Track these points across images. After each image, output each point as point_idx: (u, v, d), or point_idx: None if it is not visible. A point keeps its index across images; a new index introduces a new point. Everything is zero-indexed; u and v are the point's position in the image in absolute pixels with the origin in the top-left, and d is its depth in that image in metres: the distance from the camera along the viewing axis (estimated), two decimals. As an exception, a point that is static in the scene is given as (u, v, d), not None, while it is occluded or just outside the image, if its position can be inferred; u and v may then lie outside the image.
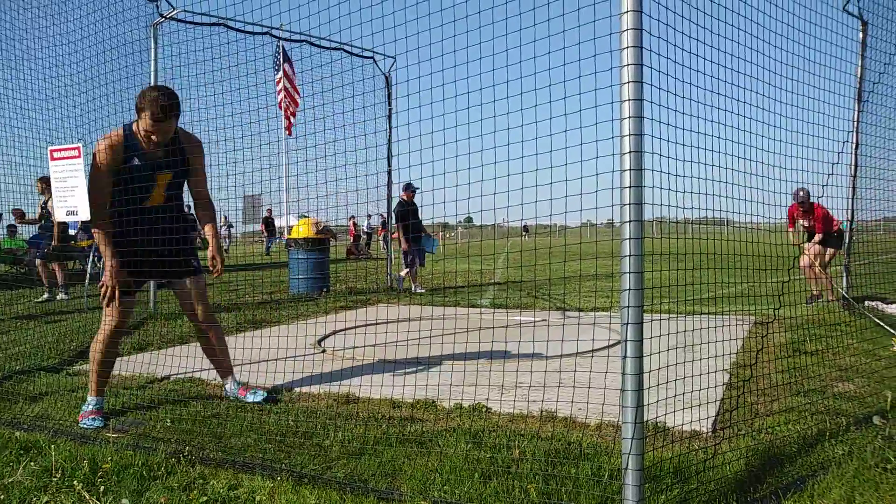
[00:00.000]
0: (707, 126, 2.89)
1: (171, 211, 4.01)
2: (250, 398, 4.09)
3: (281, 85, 12.28)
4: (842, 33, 4.32)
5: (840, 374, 4.48)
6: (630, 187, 2.39)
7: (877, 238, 7.96)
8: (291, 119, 11.99)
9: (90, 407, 3.85)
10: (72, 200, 3.56)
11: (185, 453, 3.14)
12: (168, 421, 3.68)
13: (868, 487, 2.66)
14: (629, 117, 2.37)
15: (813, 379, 4.34)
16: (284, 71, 12.43)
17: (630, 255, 2.37)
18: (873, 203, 7.23)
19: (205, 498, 2.73)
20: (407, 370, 4.85)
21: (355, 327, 6.96)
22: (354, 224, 27.49)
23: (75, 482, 2.87)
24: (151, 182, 3.85)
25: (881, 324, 5.86)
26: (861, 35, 6.83)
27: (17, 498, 2.79)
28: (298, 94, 12.32)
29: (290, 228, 11.27)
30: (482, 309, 8.59)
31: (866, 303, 7.46)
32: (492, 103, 2.98)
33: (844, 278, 7.72)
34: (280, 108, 12.01)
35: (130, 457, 3.12)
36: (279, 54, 12.28)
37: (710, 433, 3.35)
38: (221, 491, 2.81)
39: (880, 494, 2.61)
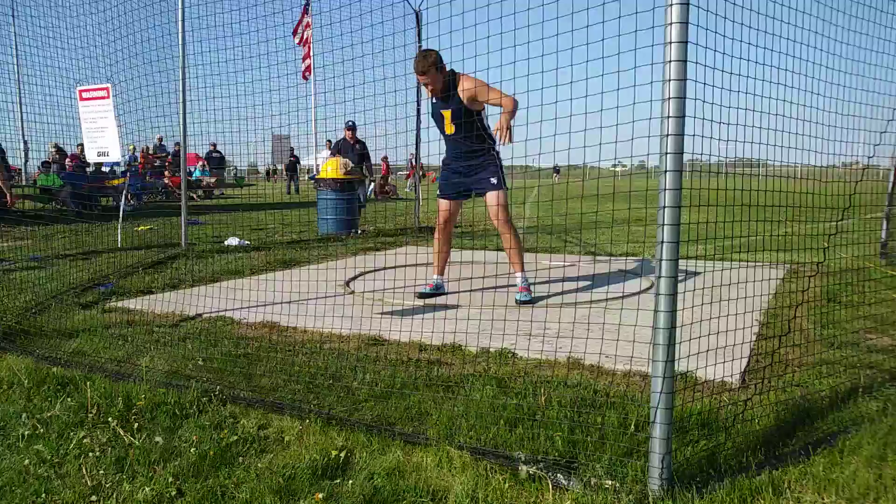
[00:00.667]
0: (754, 69, 2.75)
1: (462, 137, 5.21)
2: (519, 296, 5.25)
3: (307, 22, 12.06)
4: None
5: (875, 326, 4.39)
6: (668, 135, 2.30)
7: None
8: (310, 64, 11.85)
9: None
10: (102, 141, 3.55)
11: (216, 392, 3.21)
12: (199, 360, 3.75)
13: (901, 445, 2.61)
14: (672, 61, 2.26)
15: (846, 332, 4.26)
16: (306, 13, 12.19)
17: (665, 207, 2.30)
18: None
19: (235, 437, 2.79)
20: (435, 313, 4.86)
21: (385, 269, 6.98)
22: (387, 164, 27.32)
23: (110, 419, 2.95)
24: (440, 117, 5.23)
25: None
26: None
27: (56, 432, 2.88)
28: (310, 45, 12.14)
29: (318, 168, 11.22)
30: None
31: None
32: (525, 45, 2.87)
33: (884, 226, 7.49)
34: (301, 44, 11.81)
35: (163, 395, 3.20)
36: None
37: (739, 386, 3.31)
38: (251, 430, 2.87)
39: (913, 452, 2.57)
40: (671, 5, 2.24)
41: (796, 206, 3.86)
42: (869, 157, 3.18)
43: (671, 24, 2.25)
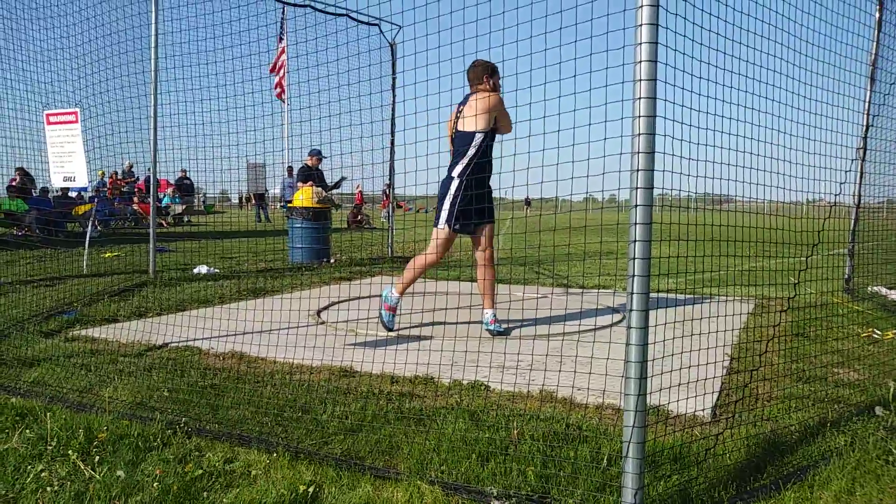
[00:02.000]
0: (721, 107, 2.81)
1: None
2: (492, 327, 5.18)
3: (284, 56, 12.16)
4: (857, 12, 4.22)
5: (842, 361, 4.45)
6: (638, 171, 2.32)
7: (881, 224, 7.86)
8: (283, 85, 11.93)
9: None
10: (69, 167, 3.49)
11: (182, 424, 3.12)
12: (165, 391, 3.66)
13: (869, 479, 2.63)
14: (641, 98, 2.30)
15: (815, 366, 4.31)
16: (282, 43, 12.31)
17: (636, 241, 2.32)
18: (881, 189, 7.14)
19: (200, 471, 2.71)
20: (408, 344, 4.82)
21: (359, 298, 6.93)
22: (361, 193, 27.22)
23: (70, 451, 2.86)
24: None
25: None
26: (877, 14, 6.66)
27: (13, 465, 2.77)
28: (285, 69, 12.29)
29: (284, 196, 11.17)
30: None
31: (869, 288, 7.41)
32: (500, 79, 2.90)
33: (848, 262, 7.65)
34: (275, 72, 11.90)
35: (126, 427, 3.11)
36: (284, 20, 12.12)
37: (710, 420, 3.32)
38: (217, 464, 2.80)
39: (881, 487, 2.59)
40: (640, 44, 2.29)
41: (765, 242, 3.93)
42: (836, 195, 3.26)
43: (640, 62, 2.29)
